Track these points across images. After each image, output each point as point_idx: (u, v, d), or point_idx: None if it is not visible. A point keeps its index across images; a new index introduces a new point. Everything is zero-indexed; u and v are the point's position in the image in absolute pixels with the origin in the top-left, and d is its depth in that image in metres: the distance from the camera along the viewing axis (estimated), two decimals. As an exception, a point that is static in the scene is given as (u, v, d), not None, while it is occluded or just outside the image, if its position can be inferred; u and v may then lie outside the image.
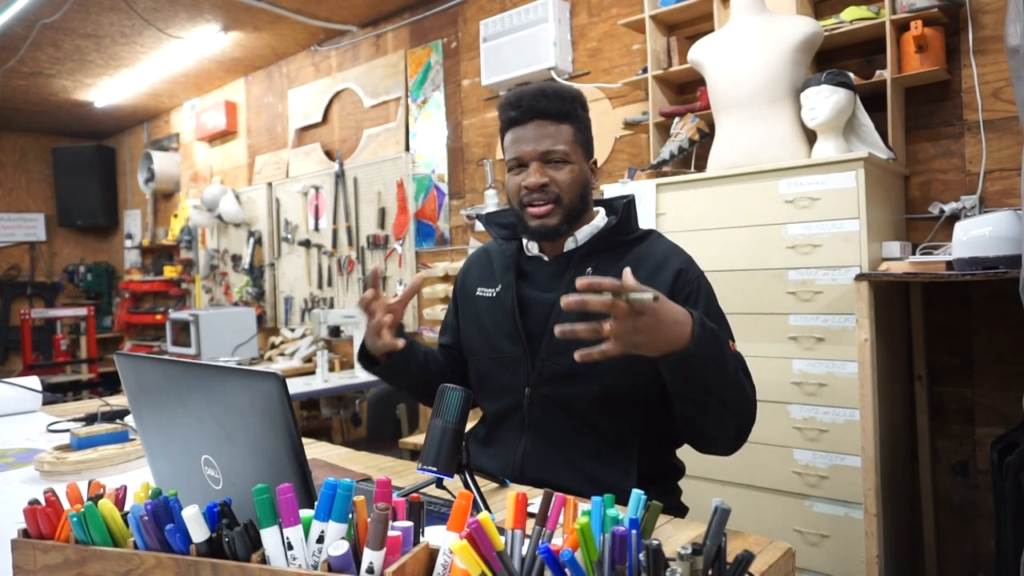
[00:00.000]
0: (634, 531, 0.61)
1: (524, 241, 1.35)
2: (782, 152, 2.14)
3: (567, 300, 0.91)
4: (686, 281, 1.23)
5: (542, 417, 1.26)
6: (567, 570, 0.60)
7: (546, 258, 1.32)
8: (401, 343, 1.25)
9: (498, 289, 1.34)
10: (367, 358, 1.32)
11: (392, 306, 1.24)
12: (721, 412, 1.10)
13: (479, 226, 3.17)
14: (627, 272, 0.94)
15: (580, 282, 0.90)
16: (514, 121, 1.27)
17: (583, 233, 1.30)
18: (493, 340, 1.32)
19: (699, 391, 1.06)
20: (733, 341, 1.24)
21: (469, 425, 1.40)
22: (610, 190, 2.46)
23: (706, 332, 1.00)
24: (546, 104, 1.24)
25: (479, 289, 1.38)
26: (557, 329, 0.95)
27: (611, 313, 0.91)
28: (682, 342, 0.98)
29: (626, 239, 1.29)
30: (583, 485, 1.19)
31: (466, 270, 1.46)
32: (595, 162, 1.33)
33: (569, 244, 1.30)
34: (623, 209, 1.30)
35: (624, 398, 1.23)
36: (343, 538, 0.65)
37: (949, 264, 1.87)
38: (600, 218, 1.33)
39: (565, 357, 1.23)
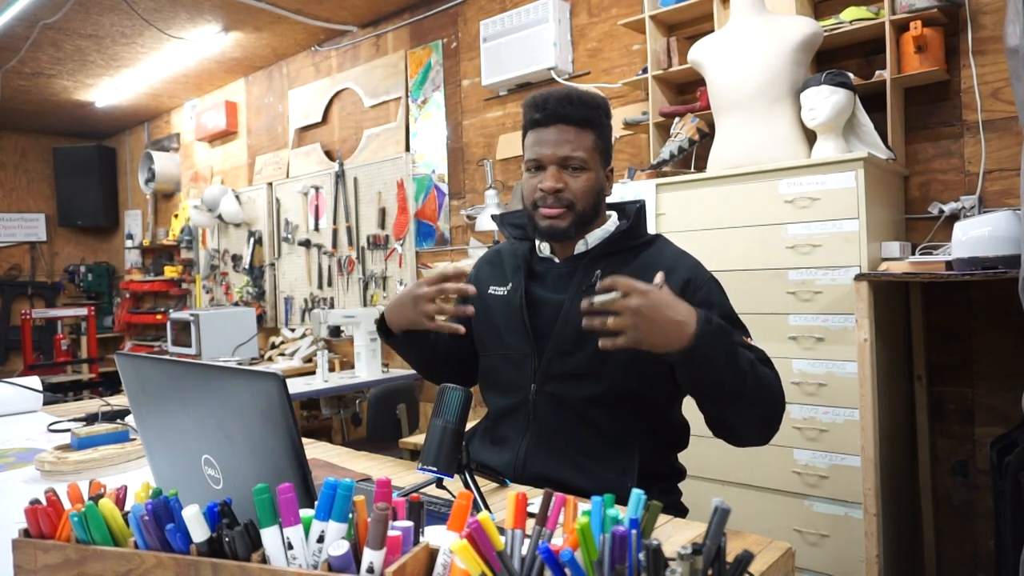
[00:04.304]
0: (634, 531, 0.61)
1: (537, 242, 1.38)
2: (782, 152, 2.14)
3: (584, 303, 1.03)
4: (695, 289, 1.24)
5: (546, 414, 1.28)
6: (567, 570, 0.60)
7: (557, 260, 1.35)
8: (461, 329, 1.26)
9: (509, 288, 1.36)
10: (384, 329, 1.35)
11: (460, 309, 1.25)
12: (741, 405, 1.11)
13: (479, 226, 3.17)
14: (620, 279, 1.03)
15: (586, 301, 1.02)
16: (537, 123, 1.28)
17: (594, 236, 1.32)
18: (502, 337, 1.34)
19: (712, 386, 1.09)
20: (750, 337, 1.24)
21: (473, 422, 1.42)
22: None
23: (711, 328, 1.02)
24: (571, 110, 1.25)
25: (491, 287, 1.40)
26: (585, 321, 1.03)
27: (612, 309, 1.00)
28: (685, 339, 1.01)
29: (635, 243, 1.31)
30: (584, 482, 1.19)
31: (478, 268, 1.48)
32: (611, 169, 1.34)
33: (579, 247, 1.32)
34: (635, 215, 1.32)
35: (627, 399, 1.24)
36: (343, 538, 0.65)
37: (949, 264, 1.87)
38: (611, 222, 1.35)
39: (572, 357, 1.25)
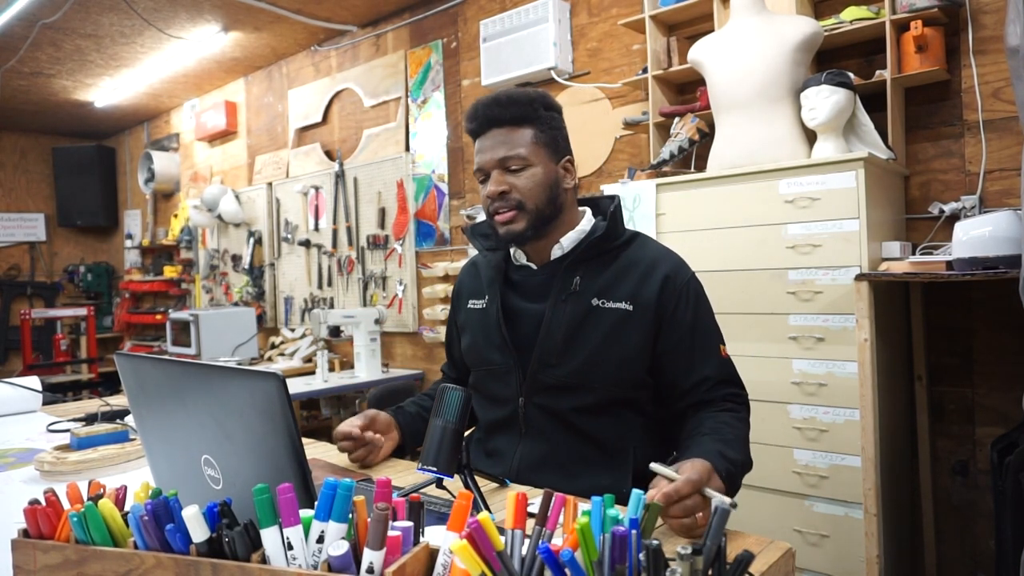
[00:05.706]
0: (634, 531, 0.61)
1: (512, 251, 1.35)
2: (782, 152, 2.14)
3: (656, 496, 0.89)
4: (674, 288, 1.23)
5: (537, 426, 1.26)
6: (567, 570, 0.60)
7: (534, 267, 1.32)
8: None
9: (486, 300, 1.34)
10: None
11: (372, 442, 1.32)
12: None
13: (479, 226, 3.17)
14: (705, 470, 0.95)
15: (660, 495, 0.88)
16: (474, 133, 1.28)
17: (569, 240, 1.28)
18: (484, 352, 1.32)
19: None
20: (724, 345, 1.24)
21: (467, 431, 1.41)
22: (610, 190, 2.46)
23: (730, 477, 1.02)
24: (499, 111, 1.24)
25: (470, 301, 1.39)
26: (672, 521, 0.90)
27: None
28: None
29: (613, 244, 1.28)
30: (580, 492, 1.18)
31: (459, 283, 1.47)
32: (570, 160, 1.30)
33: (555, 252, 1.29)
34: (611, 216, 1.28)
35: (617, 406, 1.23)
36: (343, 538, 0.65)
37: (949, 264, 1.87)
38: (586, 220, 1.31)
39: (557, 368, 1.23)
